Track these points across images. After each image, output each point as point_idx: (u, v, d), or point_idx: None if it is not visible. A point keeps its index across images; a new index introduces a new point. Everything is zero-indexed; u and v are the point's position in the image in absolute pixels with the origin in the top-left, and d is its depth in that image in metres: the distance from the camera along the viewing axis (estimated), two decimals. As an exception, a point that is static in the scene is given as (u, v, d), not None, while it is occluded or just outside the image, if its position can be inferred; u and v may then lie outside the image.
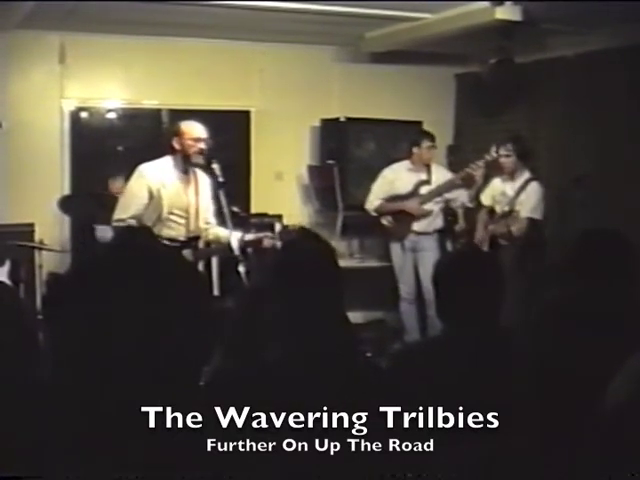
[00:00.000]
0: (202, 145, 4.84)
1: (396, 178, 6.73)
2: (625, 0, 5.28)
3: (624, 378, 1.29)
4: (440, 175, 6.71)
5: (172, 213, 4.89)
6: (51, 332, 1.61)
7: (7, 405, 1.63)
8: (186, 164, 4.90)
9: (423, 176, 6.67)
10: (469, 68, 7.79)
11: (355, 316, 6.92)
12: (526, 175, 6.27)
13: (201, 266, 4.91)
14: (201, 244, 4.98)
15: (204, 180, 4.97)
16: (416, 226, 6.64)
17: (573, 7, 5.59)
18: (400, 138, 6.88)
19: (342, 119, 7.55)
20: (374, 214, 6.79)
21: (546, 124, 7.30)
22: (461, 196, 6.62)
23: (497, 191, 6.36)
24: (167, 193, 4.89)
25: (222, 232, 4.92)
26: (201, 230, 4.97)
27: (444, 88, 8.12)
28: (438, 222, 6.74)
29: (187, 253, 4.74)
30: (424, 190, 6.66)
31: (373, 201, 6.79)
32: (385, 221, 6.73)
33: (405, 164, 6.73)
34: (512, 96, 7.34)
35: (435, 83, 8.03)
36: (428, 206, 6.62)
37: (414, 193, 6.65)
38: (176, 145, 4.88)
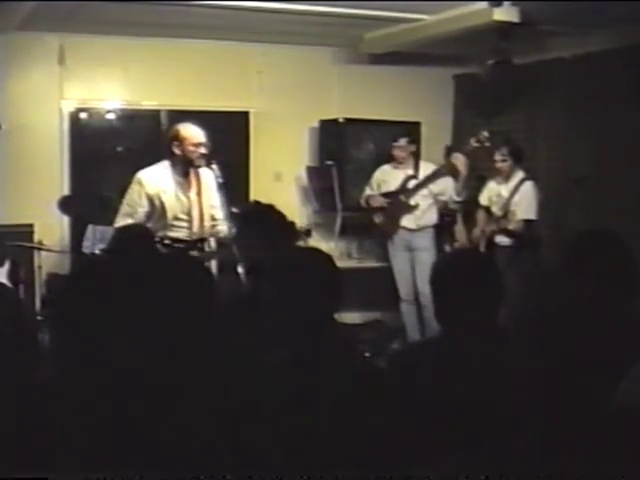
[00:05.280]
0: (203, 150, 4.82)
1: (385, 176, 6.82)
2: (625, 0, 5.29)
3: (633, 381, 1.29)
4: (428, 171, 6.70)
5: (177, 218, 4.87)
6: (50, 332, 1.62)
7: (7, 405, 1.64)
8: (186, 168, 4.88)
9: (410, 171, 6.72)
10: (467, 69, 7.80)
11: (354, 316, 6.94)
12: (520, 175, 6.34)
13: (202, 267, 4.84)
14: (207, 246, 4.89)
15: (206, 178, 4.91)
16: (404, 222, 6.64)
17: (571, 8, 5.60)
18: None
19: (341, 120, 7.55)
20: (364, 205, 6.88)
21: (545, 125, 7.30)
22: (448, 190, 6.59)
23: (493, 192, 6.44)
24: (168, 199, 4.86)
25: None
26: (206, 231, 4.91)
27: (443, 89, 8.12)
28: (430, 218, 6.69)
29: (193, 255, 4.69)
30: (412, 185, 6.68)
31: (363, 195, 6.90)
32: (376, 218, 6.79)
33: (392, 163, 6.82)
34: (510, 97, 7.34)
35: (434, 84, 8.03)
36: (414, 200, 6.62)
37: (402, 189, 6.69)
38: (177, 151, 4.85)
